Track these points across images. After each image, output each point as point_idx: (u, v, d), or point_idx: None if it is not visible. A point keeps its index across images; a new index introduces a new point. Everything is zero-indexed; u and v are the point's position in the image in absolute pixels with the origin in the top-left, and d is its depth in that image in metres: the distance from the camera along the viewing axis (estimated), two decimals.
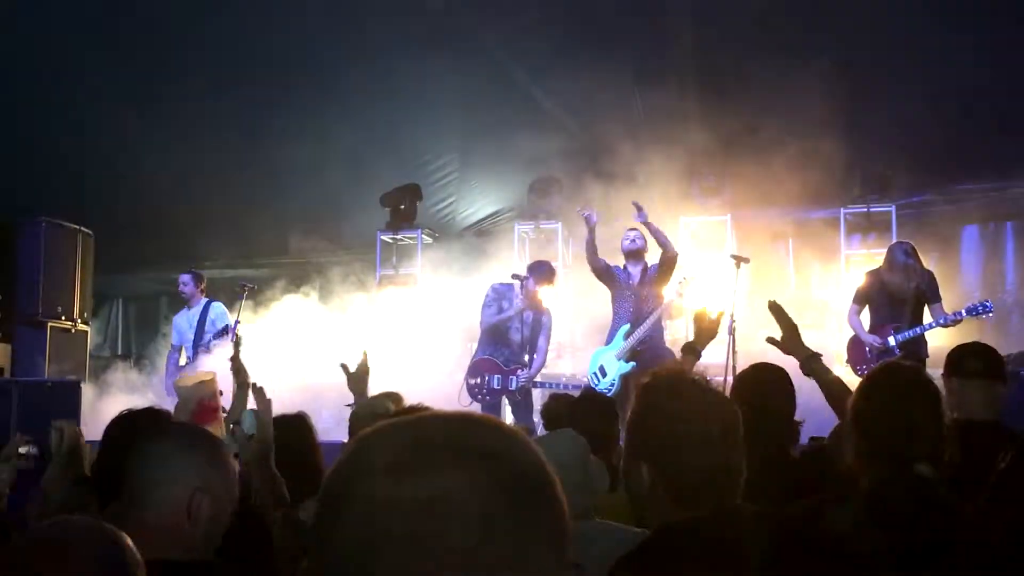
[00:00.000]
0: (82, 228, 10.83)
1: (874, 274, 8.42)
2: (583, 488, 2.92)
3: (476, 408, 8.24)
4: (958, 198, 11.18)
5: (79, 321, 10.77)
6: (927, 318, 8.13)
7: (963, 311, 7.92)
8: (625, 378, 8.21)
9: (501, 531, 0.91)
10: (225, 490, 2.40)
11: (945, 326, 7.94)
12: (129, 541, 1.78)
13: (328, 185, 11.59)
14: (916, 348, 8.01)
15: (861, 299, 8.43)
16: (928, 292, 8.15)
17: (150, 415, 2.83)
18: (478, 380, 8.72)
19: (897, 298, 8.16)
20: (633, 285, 8.46)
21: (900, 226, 10.66)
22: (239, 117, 11.12)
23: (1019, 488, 2.77)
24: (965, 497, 2.67)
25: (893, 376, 2.70)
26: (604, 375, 8.42)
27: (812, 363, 3.62)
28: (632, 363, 8.22)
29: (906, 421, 2.54)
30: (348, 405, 4.31)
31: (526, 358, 8.73)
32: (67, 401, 8.39)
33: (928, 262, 10.65)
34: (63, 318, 10.52)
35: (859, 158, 10.66)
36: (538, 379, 9.00)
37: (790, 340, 3.72)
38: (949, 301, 8.43)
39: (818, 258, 11.42)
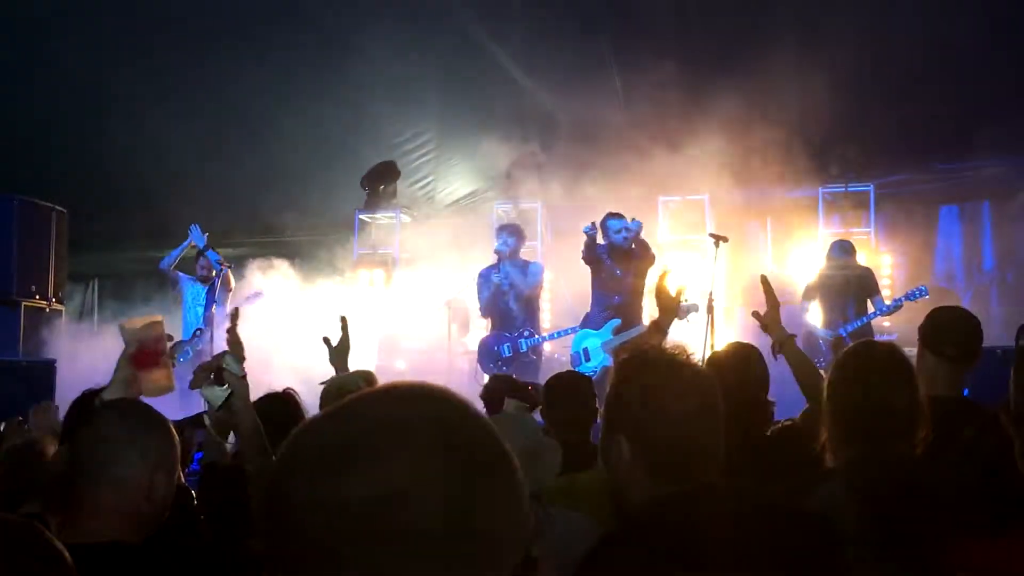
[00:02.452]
0: (56, 206, 10.70)
1: (819, 272, 9.12)
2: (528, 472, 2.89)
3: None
4: (936, 178, 11.20)
5: (54, 300, 10.66)
6: (871, 309, 8.78)
7: (902, 298, 8.61)
8: (606, 369, 8.27)
9: (464, 511, 0.86)
10: (175, 465, 2.40)
11: (886, 314, 8.67)
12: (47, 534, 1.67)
13: (306, 163, 11.51)
14: (865, 336, 8.28)
15: (810, 295, 9.07)
16: (867, 286, 8.84)
17: (90, 396, 2.76)
18: (489, 354, 8.90)
19: (839, 292, 8.79)
20: (618, 275, 8.50)
21: (878, 205, 10.69)
22: (216, 96, 11.01)
23: (983, 461, 2.78)
24: (935, 471, 2.68)
25: (869, 355, 2.70)
26: (588, 359, 8.48)
27: (786, 344, 3.74)
28: None
29: (882, 400, 2.54)
30: (323, 383, 4.27)
31: (538, 317, 9.09)
32: (42, 381, 8.32)
33: (906, 241, 10.74)
34: (37, 297, 10.41)
35: (838, 137, 10.66)
36: (547, 332, 9.19)
37: (770, 317, 3.83)
38: (926, 280, 8.68)
39: (796, 237, 11.44)
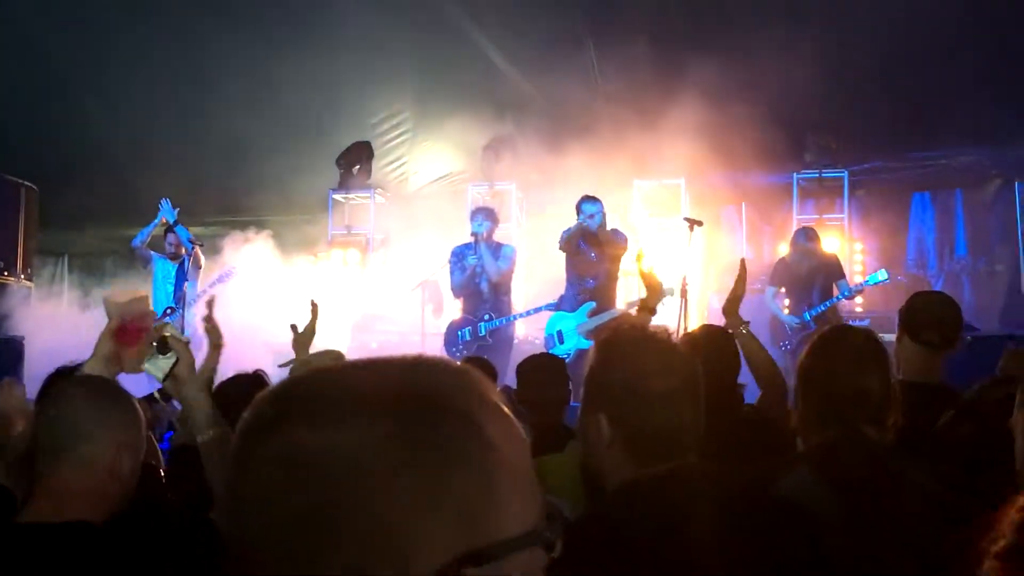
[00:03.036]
0: (25, 182, 10.58)
1: (783, 259, 9.25)
2: None
3: None
4: (909, 165, 11.27)
5: (23, 277, 10.56)
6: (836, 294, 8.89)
7: (863, 283, 8.80)
8: (581, 352, 8.30)
9: (411, 480, 0.81)
10: (141, 443, 2.35)
11: (848, 298, 8.82)
12: None
13: (279, 143, 11.41)
14: (829, 322, 8.34)
15: (776, 281, 9.22)
16: (832, 272, 8.95)
17: (64, 372, 2.71)
18: (452, 339, 8.92)
19: (804, 279, 8.91)
20: (593, 259, 8.47)
21: (852, 192, 10.74)
22: (189, 74, 10.90)
23: (955, 447, 2.79)
24: (908, 457, 2.69)
25: (843, 338, 2.69)
26: (562, 341, 8.47)
27: (740, 332, 3.75)
28: (591, 341, 8.27)
29: (855, 383, 2.54)
30: (282, 365, 4.21)
31: (506, 300, 8.97)
32: (10, 357, 8.24)
33: (879, 227, 10.83)
34: (6, 273, 10.30)
35: (813, 124, 10.70)
36: (516, 311, 9.18)
37: (731, 303, 3.85)
38: (898, 266, 8.74)
39: (770, 223, 11.50)
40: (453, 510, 0.82)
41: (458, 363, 0.94)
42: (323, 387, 0.88)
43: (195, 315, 9.67)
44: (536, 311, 9.11)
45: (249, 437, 0.86)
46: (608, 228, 8.55)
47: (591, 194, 8.56)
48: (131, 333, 2.60)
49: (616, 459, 2.04)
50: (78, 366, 2.62)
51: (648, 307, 3.65)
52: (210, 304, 4.09)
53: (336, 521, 0.80)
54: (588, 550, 1.89)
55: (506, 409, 0.91)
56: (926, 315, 3.60)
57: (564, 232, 8.48)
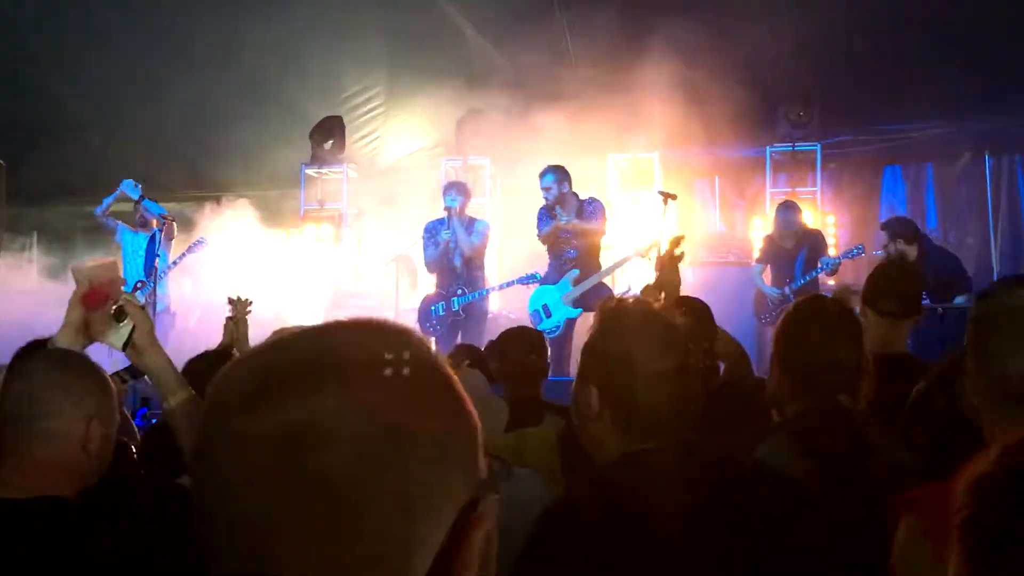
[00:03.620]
0: None
1: (769, 236, 9.36)
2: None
3: None
4: (880, 138, 11.31)
5: None
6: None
7: (840, 256, 8.89)
8: (570, 322, 8.32)
9: (383, 454, 0.80)
10: (113, 415, 2.33)
11: (827, 272, 8.78)
12: None
13: (249, 118, 11.30)
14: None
15: (763, 259, 9.39)
16: (816, 246, 9.03)
17: (36, 345, 2.68)
18: (425, 314, 8.93)
19: (787, 253, 9.02)
20: (570, 231, 8.44)
21: (824, 165, 10.78)
22: (157, 45, 10.77)
23: (928, 418, 2.81)
24: (879, 426, 2.71)
25: (817, 309, 2.71)
26: (548, 315, 8.47)
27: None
28: (579, 309, 8.29)
29: (829, 353, 2.56)
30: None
31: (479, 275, 8.97)
32: None
33: (851, 201, 10.89)
34: None
35: (785, 97, 10.71)
36: (490, 286, 9.22)
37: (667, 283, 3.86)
38: (871, 239, 8.82)
39: (743, 196, 11.53)
40: (456, 462, 0.85)
41: (413, 330, 0.93)
42: (299, 356, 0.85)
43: (167, 287, 9.59)
44: (509, 284, 9.12)
45: (231, 415, 0.83)
46: (584, 198, 8.56)
47: (552, 164, 8.51)
48: (100, 298, 2.56)
49: (603, 432, 2.03)
50: (48, 339, 2.59)
51: (656, 289, 3.67)
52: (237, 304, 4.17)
53: (340, 491, 0.79)
54: (574, 528, 1.89)
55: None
56: (884, 285, 3.64)
57: (539, 224, 8.48)
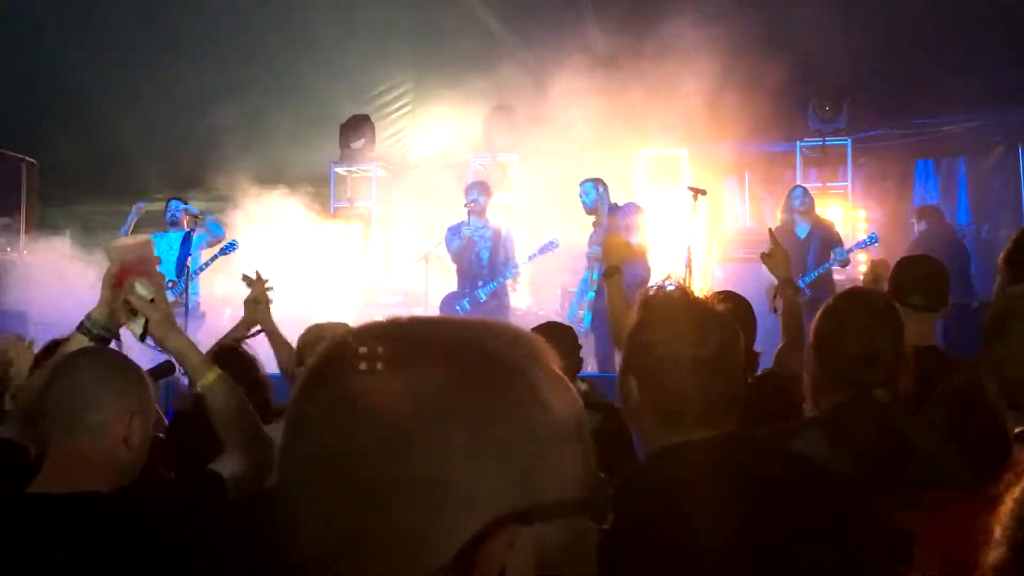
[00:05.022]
0: (25, 157, 10.55)
1: (779, 225, 9.00)
2: None
3: None
4: (912, 132, 11.22)
5: (24, 253, 10.55)
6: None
7: (852, 247, 8.75)
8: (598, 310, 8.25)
9: (452, 427, 0.80)
10: (151, 411, 2.35)
11: (841, 263, 8.58)
12: None
13: (280, 115, 11.35)
14: (823, 286, 8.31)
15: None
16: (829, 238, 8.83)
17: (56, 344, 2.71)
18: (448, 311, 8.96)
19: (799, 243, 8.73)
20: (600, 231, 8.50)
21: (855, 159, 10.70)
22: (187, 49, 10.84)
23: (960, 411, 2.78)
24: (917, 420, 2.69)
25: (858, 302, 2.69)
26: (582, 312, 8.56)
27: (788, 287, 4.07)
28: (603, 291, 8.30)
29: (868, 347, 2.54)
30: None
31: (502, 271, 9.01)
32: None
33: (882, 195, 10.79)
34: (8, 249, 10.29)
35: (816, 92, 10.64)
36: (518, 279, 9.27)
37: (782, 261, 4.16)
38: (903, 234, 8.72)
39: (773, 191, 11.45)
40: (497, 460, 0.81)
41: (519, 327, 0.93)
42: (379, 335, 0.87)
43: (198, 287, 9.59)
44: (532, 257, 9.21)
45: (310, 380, 0.86)
46: (619, 204, 8.60)
47: (592, 175, 8.62)
48: (136, 277, 2.58)
49: (645, 423, 2.02)
50: (65, 339, 2.63)
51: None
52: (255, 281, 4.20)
53: (380, 467, 0.80)
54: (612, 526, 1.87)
55: (563, 376, 0.90)
56: (910, 278, 3.63)
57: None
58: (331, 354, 0.86)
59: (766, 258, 4.24)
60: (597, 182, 8.64)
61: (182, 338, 2.59)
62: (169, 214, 9.70)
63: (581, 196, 8.64)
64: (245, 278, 4.56)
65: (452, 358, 0.84)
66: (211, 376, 2.52)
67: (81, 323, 2.60)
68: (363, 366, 0.83)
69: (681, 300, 2.06)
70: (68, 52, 10.54)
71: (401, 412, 0.80)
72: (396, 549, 0.79)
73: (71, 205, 13.08)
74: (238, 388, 2.54)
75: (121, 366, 2.33)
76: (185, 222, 9.60)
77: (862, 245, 8.67)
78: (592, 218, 8.65)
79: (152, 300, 2.55)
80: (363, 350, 0.84)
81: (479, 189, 9.06)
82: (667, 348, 1.97)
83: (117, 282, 2.56)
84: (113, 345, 2.62)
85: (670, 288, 2.07)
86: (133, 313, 2.56)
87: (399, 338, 0.87)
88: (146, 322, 2.56)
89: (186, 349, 2.57)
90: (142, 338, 2.59)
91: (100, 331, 2.59)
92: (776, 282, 4.14)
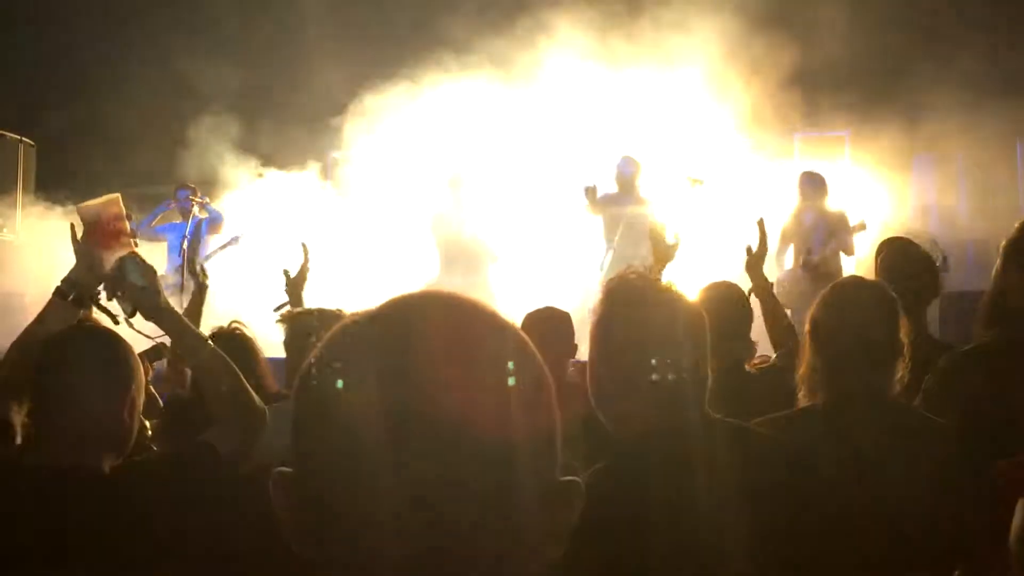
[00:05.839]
0: (24, 139, 10.51)
1: (793, 213, 8.85)
2: None
3: None
4: (911, 125, 11.19)
5: (21, 235, 10.52)
6: None
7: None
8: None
9: (532, 415, 0.88)
10: (142, 386, 2.38)
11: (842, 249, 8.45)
12: None
13: (281, 101, 11.34)
14: (828, 269, 8.17)
15: (785, 238, 8.78)
16: (838, 227, 8.67)
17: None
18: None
19: (810, 232, 8.62)
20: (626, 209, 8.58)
21: (853, 152, 10.69)
22: (190, 38, 10.83)
23: (955, 400, 2.79)
24: (913, 409, 2.69)
25: (855, 290, 2.69)
26: None
27: (764, 288, 3.90)
28: None
29: (865, 335, 2.54)
30: (276, 309, 4.18)
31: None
32: (11, 315, 8.23)
33: (881, 187, 10.76)
34: (4, 231, 10.26)
35: (815, 83, 10.62)
36: None
37: (756, 262, 3.98)
38: (901, 228, 8.70)
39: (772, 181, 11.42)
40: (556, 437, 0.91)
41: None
42: (424, 335, 0.88)
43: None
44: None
45: (353, 390, 0.86)
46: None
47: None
48: (108, 235, 2.58)
49: (619, 411, 2.03)
50: (63, 280, 2.63)
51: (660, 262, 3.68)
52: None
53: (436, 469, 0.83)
54: (598, 507, 1.88)
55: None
56: (893, 267, 3.63)
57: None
58: (397, 356, 0.87)
59: (749, 251, 4.06)
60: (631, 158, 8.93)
61: (175, 317, 2.59)
62: (179, 205, 9.59)
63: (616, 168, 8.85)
64: (286, 273, 4.54)
65: (517, 356, 0.92)
66: (203, 353, 2.52)
67: (57, 287, 2.60)
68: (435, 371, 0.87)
69: (642, 285, 2.08)
70: (72, 34, 10.50)
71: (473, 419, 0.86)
72: (467, 546, 0.84)
73: (69, 189, 13.03)
74: (230, 362, 2.55)
75: (113, 344, 2.34)
76: (195, 210, 9.55)
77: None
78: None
79: (144, 288, 2.54)
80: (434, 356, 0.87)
81: (456, 180, 9.28)
82: (631, 332, 2.01)
83: (99, 242, 2.56)
84: (108, 324, 2.61)
85: (631, 276, 2.10)
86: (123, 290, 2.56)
87: (468, 347, 0.90)
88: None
89: (180, 327, 2.57)
90: (131, 315, 2.58)
91: (78, 292, 2.59)
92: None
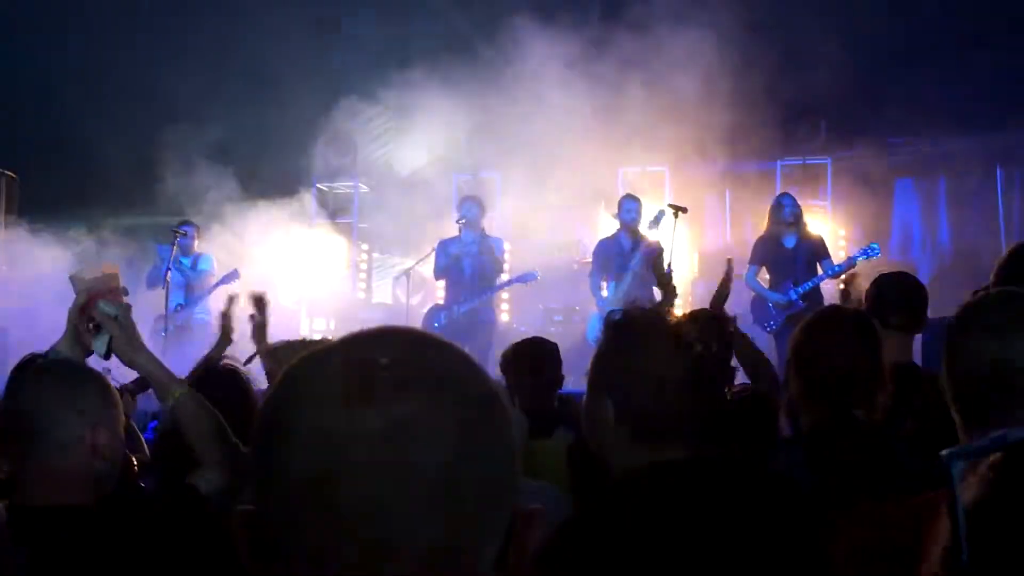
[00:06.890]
0: (6, 171, 10.49)
1: (762, 236, 8.71)
2: None
3: None
4: (892, 152, 11.29)
5: (3, 267, 10.47)
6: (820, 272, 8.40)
7: (854, 256, 8.15)
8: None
9: (473, 448, 0.88)
10: (117, 419, 2.33)
11: (839, 274, 7.97)
12: None
13: (261, 131, 11.33)
14: (816, 299, 8.14)
15: (757, 260, 8.66)
16: (817, 250, 8.48)
17: (32, 359, 2.68)
18: (428, 325, 8.98)
19: (786, 253, 8.46)
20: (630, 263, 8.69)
21: (835, 179, 10.76)
22: (166, 57, 10.84)
23: (938, 428, 2.79)
24: (895, 438, 2.69)
25: (836, 319, 2.70)
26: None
27: (729, 330, 3.79)
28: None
29: (846, 364, 2.54)
30: (247, 362, 4.15)
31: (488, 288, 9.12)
32: None
33: (862, 214, 10.83)
34: None
35: (796, 112, 10.71)
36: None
37: (717, 301, 4.09)
38: (883, 253, 8.70)
39: (754, 210, 11.48)
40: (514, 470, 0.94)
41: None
42: (395, 355, 0.91)
43: (207, 306, 9.38)
44: (509, 284, 9.30)
45: (330, 407, 0.88)
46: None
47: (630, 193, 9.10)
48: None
49: (620, 444, 2.02)
50: (48, 352, 2.60)
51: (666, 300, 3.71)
52: (230, 300, 4.16)
53: (440, 479, 0.86)
54: (577, 549, 1.86)
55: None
56: (889, 297, 3.63)
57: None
58: (374, 374, 0.90)
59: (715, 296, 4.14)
60: (637, 200, 9.03)
61: (147, 356, 2.58)
62: (184, 240, 9.50)
63: (623, 214, 8.94)
64: (257, 299, 4.47)
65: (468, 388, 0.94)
66: (177, 393, 2.51)
67: (46, 355, 2.57)
68: (420, 384, 0.90)
69: (648, 320, 2.08)
70: (51, 68, 10.50)
71: (464, 426, 0.90)
72: (469, 549, 0.89)
73: (53, 221, 12.99)
74: (207, 404, 2.53)
75: (77, 379, 2.31)
76: (196, 245, 9.53)
77: (865, 254, 8.09)
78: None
79: (116, 318, 2.53)
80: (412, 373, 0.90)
81: (473, 201, 9.17)
82: (639, 366, 1.98)
83: (83, 314, 2.55)
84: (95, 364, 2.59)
85: (636, 308, 2.09)
86: (97, 329, 2.55)
87: (437, 364, 0.94)
88: (110, 340, 2.54)
89: (151, 367, 2.56)
90: (106, 356, 2.57)
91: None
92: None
